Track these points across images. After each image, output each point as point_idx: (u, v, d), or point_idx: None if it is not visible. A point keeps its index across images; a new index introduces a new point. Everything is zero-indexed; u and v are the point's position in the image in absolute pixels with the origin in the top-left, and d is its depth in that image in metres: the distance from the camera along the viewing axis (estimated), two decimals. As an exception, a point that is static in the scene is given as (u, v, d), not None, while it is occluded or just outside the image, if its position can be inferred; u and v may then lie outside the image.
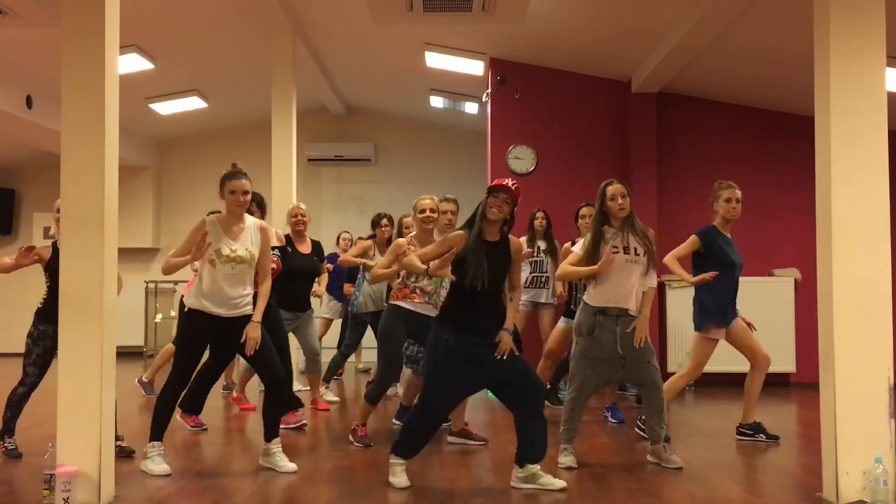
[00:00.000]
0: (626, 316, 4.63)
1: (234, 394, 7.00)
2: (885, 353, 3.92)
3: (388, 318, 5.11)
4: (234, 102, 11.05)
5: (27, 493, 4.05)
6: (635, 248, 4.62)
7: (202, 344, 4.60)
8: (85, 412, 3.86)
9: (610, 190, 4.66)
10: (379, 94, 11.49)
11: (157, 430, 4.51)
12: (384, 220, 7.16)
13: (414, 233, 5.32)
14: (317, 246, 6.67)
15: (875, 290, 3.93)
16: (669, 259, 5.28)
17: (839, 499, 3.84)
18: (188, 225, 9.10)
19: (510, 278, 4.25)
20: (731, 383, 7.69)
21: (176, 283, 11.91)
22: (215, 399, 7.46)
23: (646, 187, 8.59)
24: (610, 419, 6.17)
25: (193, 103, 10.62)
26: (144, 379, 7.69)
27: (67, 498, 3.68)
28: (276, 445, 4.61)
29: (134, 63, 8.54)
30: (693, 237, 5.31)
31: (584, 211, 6.39)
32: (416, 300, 5.07)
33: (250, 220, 4.64)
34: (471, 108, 10.81)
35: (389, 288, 5.45)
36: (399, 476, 4.19)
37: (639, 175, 8.61)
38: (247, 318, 4.53)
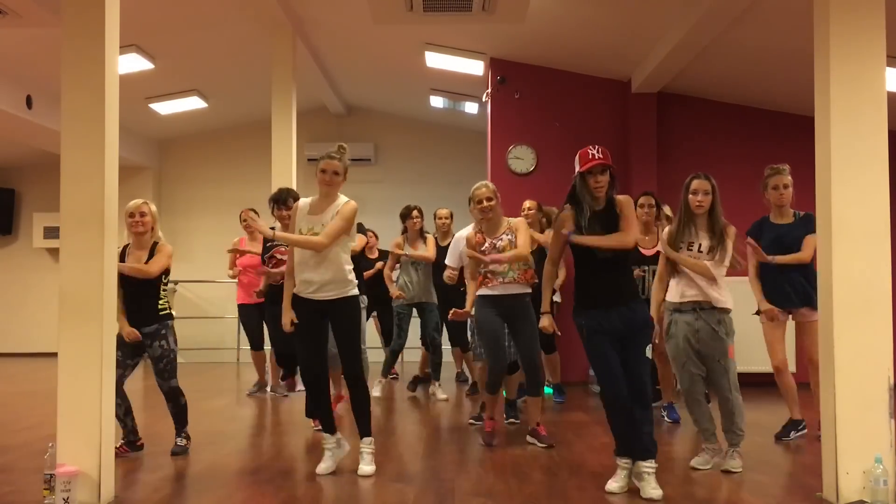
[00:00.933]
0: (703, 309, 4.59)
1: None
2: (885, 353, 3.92)
3: (478, 309, 5.30)
4: (234, 102, 11.05)
5: (27, 493, 4.06)
6: (699, 245, 4.63)
7: (315, 327, 4.54)
8: (85, 412, 3.86)
9: (693, 184, 4.63)
10: (379, 94, 11.49)
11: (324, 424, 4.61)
12: (414, 212, 7.23)
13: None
14: None
15: (875, 290, 3.93)
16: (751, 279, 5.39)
17: (839, 499, 3.84)
18: (188, 225, 9.26)
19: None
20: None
21: (176, 283, 11.94)
22: (216, 400, 7.46)
23: (646, 187, 8.58)
24: (665, 418, 6.12)
25: (193, 103, 10.62)
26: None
27: (67, 498, 3.68)
28: (367, 445, 4.53)
29: (134, 63, 8.54)
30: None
31: (642, 200, 6.29)
32: (489, 284, 5.22)
33: (341, 199, 4.54)
34: (471, 108, 10.81)
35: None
36: (619, 480, 4.11)
37: (639, 175, 8.61)
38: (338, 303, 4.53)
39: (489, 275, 5.22)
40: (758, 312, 5.41)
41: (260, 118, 10.15)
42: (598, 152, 4.14)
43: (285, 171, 8.25)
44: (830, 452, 3.92)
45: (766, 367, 5.48)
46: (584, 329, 4.09)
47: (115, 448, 4.19)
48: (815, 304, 5.00)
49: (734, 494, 4.09)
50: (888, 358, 3.92)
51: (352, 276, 4.49)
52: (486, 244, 5.23)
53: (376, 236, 8.65)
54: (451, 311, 5.43)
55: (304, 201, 4.54)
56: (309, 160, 11.88)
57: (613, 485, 4.09)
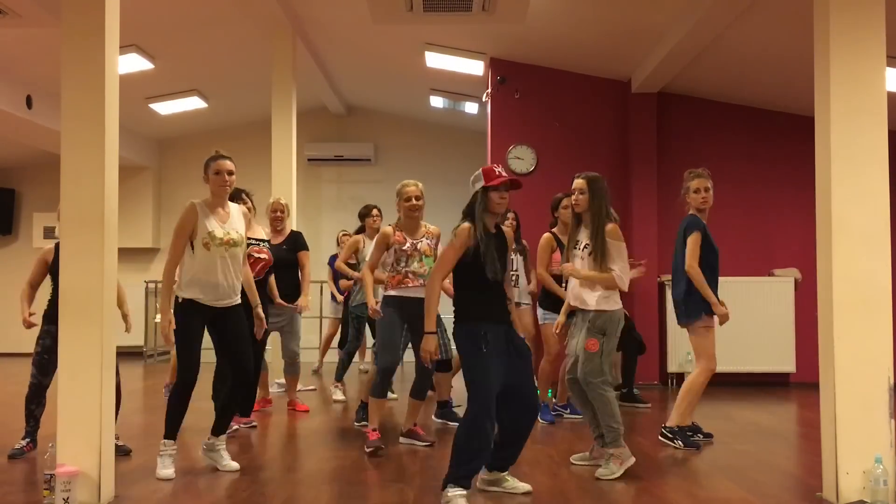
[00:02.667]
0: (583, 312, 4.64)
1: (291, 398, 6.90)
2: (885, 353, 3.92)
3: (384, 309, 5.10)
4: (234, 102, 11.05)
5: (27, 493, 4.05)
6: (583, 244, 4.66)
7: (200, 334, 4.50)
8: (85, 412, 3.86)
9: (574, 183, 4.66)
10: (379, 94, 11.49)
11: (170, 429, 4.46)
12: (374, 211, 7.17)
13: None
14: (295, 236, 6.68)
15: (875, 290, 3.93)
16: (696, 274, 5.11)
17: (839, 499, 3.84)
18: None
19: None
20: (731, 383, 7.71)
21: (176, 282, 11.94)
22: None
23: (646, 187, 8.60)
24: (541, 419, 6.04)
25: (193, 103, 10.62)
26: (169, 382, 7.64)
27: (67, 498, 3.68)
28: (221, 442, 4.62)
29: (134, 63, 8.54)
30: (696, 234, 5.15)
31: (565, 202, 6.32)
32: (409, 285, 5.06)
33: (234, 206, 4.64)
34: (471, 108, 10.81)
35: None
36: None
37: (639, 175, 8.62)
38: (238, 308, 4.51)
39: (410, 275, 5.05)
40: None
41: (260, 118, 10.16)
42: (503, 171, 4.02)
43: (285, 171, 8.25)
44: (830, 452, 3.92)
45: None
46: (485, 338, 3.82)
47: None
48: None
49: (734, 494, 4.09)
50: (888, 358, 3.92)
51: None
52: (408, 244, 5.10)
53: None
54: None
55: (199, 203, 4.50)
56: (309, 160, 11.90)
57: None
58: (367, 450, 4.97)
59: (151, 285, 11.52)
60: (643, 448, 5.18)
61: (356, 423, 5.95)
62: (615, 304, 4.60)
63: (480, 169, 4.04)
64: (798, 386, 8.24)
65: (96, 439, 3.85)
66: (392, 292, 5.11)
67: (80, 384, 3.87)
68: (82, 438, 3.85)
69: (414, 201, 5.11)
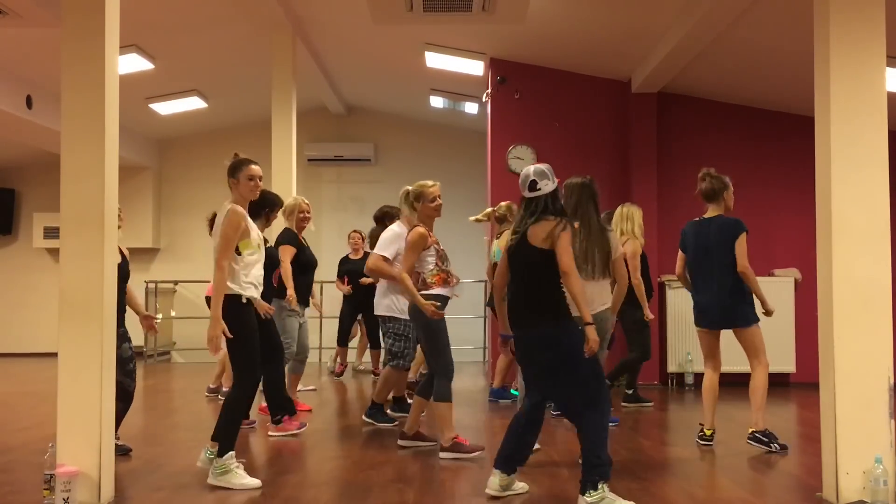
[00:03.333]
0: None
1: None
2: (885, 353, 3.92)
3: (441, 310, 4.89)
4: (234, 102, 11.05)
5: (27, 493, 4.06)
6: None
7: (257, 335, 4.45)
8: (85, 412, 3.86)
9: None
10: (379, 94, 11.50)
11: (230, 440, 4.28)
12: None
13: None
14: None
15: (875, 290, 3.93)
16: (751, 274, 5.12)
17: (839, 499, 3.84)
18: (188, 225, 9.28)
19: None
20: (731, 383, 7.70)
21: (176, 283, 11.94)
22: (216, 399, 7.45)
23: (646, 187, 8.59)
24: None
25: (193, 103, 10.62)
26: (212, 386, 7.63)
27: (67, 498, 3.68)
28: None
29: (134, 63, 8.54)
30: (744, 235, 5.15)
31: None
32: (453, 283, 5.00)
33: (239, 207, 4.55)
34: (471, 108, 10.82)
35: None
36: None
37: (639, 175, 8.62)
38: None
39: (449, 274, 4.99)
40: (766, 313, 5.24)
41: (260, 118, 10.15)
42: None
43: (285, 171, 8.25)
44: (830, 452, 3.92)
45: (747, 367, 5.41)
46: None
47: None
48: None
49: (734, 494, 4.09)
50: (888, 358, 3.92)
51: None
52: (440, 247, 5.01)
53: (362, 237, 8.58)
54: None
55: (241, 210, 4.39)
56: (309, 160, 11.90)
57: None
58: (470, 454, 4.84)
59: (151, 285, 11.52)
60: (644, 448, 5.18)
61: (365, 418, 5.99)
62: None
63: (543, 165, 4.06)
64: (798, 386, 8.25)
65: (96, 439, 3.85)
66: (439, 291, 4.90)
67: (80, 384, 3.87)
68: (82, 438, 3.84)
69: (439, 200, 5.03)
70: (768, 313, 5.17)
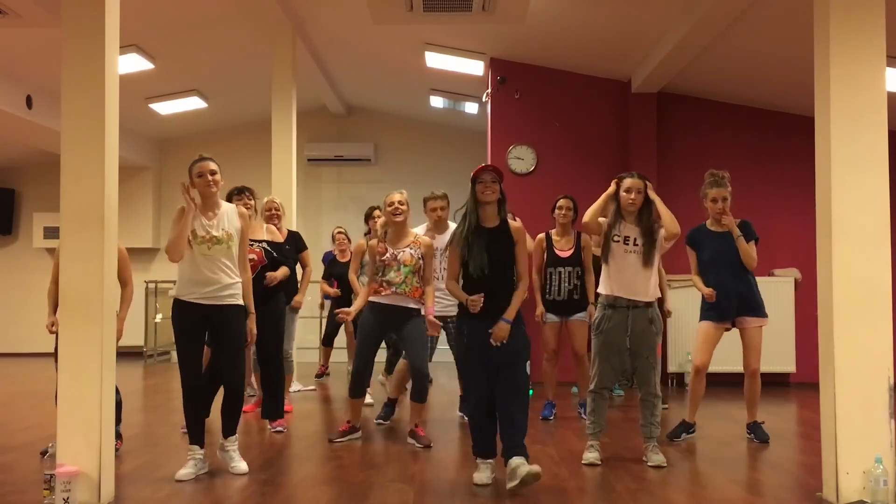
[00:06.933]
0: (637, 308, 4.65)
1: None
2: (885, 353, 3.92)
3: (364, 314, 5.31)
4: (234, 102, 11.05)
5: (27, 493, 4.05)
6: (634, 239, 4.66)
7: (196, 334, 4.48)
8: (85, 412, 3.86)
9: (626, 183, 4.72)
10: (379, 94, 11.50)
11: (189, 432, 4.47)
12: (377, 212, 7.11)
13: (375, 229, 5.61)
14: (295, 236, 6.67)
15: (875, 290, 3.93)
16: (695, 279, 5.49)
17: (839, 499, 3.84)
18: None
19: (516, 265, 4.23)
20: (731, 383, 7.70)
21: (175, 282, 11.93)
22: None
23: (646, 187, 8.59)
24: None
25: (193, 103, 10.62)
26: None
27: (67, 498, 3.68)
28: (230, 443, 4.59)
29: (134, 63, 8.54)
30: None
31: (561, 203, 6.35)
32: (384, 293, 5.18)
33: (227, 205, 4.60)
34: (471, 108, 10.82)
35: None
36: (482, 472, 4.28)
37: (639, 175, 8.62)
38: (233, 309, 4.46)
39: (385, 283, 5.18)
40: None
41: (260, 118, 10.16)
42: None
43: (285, 170, 8.25)
44: (830, 452, 3.92)
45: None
46: (466, 334, 4.29)
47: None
48: (755, 311, 5.33)
49: (734, 494, 4.09)
50: (888, 358, 3.92)
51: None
52: (388, 254, 5.19)
53: (348, 238, 8.34)
54: (339, 311, 5.34)
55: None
56: (309, 160, 11.90)
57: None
58: (334, 440, 5.33)
59: (151, 285, 11.52)
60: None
61: (377, 421, 6.03)
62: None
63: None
64: (798, 386, 8.25)
65: (96, 439, 3.85)
66: (371, 299, 5.28)
67: (80, 384, 3.87)
68: (82, 438, 3.84)
69: (396, 205, 5.22)
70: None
